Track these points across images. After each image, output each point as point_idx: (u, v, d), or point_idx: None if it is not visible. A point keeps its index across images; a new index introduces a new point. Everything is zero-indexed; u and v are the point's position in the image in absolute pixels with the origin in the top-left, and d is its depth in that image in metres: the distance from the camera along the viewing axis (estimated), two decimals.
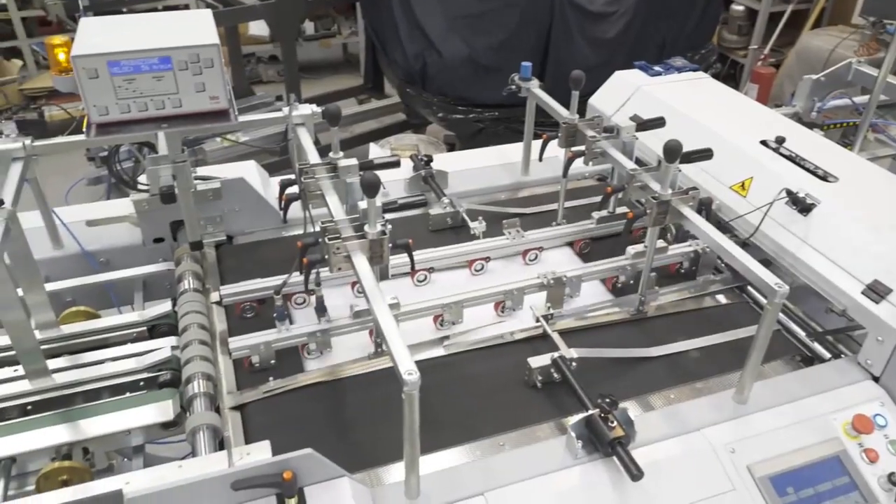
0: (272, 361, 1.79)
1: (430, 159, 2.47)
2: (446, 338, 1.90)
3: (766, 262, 1.85)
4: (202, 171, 2.23)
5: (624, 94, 2.65)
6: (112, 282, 2.17)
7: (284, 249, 2.15)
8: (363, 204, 1.59)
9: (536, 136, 2.49)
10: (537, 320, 1.91)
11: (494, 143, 3.83)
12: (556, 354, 1.73)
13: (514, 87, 2.40)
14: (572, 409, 1.66)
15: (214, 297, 2.00)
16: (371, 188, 1.46)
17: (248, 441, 1.60)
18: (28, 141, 1.84)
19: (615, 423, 1.48)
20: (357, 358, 1.84)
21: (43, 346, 1.78)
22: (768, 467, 1.54)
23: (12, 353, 1.71)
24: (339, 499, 1.33)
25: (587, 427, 1.50)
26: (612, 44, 4.44)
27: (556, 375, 1.73)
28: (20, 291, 1.75)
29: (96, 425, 1.65)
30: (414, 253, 1.69)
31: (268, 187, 2.38)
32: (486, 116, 4.50)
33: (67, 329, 1.94)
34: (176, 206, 2.01)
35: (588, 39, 4.40)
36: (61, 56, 1.77)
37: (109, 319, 2.04)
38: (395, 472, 1.53)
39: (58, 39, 1.85)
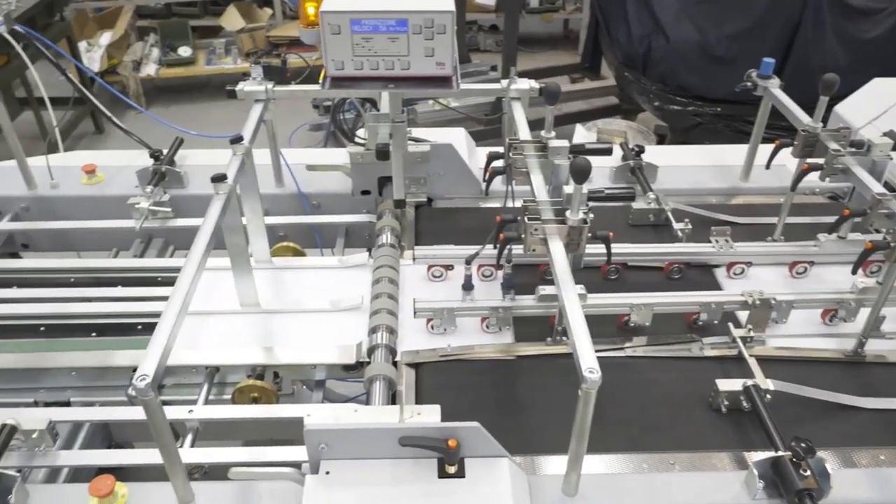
0: (452, 328, 1.83)
1: (641, 150, 2.35)
2: (629, 339, 1.82)
3: None
4: (415, 132, 2.31)
5: (881, 104, 2.34)
6: (319, 225, 2.34)
7: (480, 220, 2.17)
8: (568, 188, 1.55)
9: (764, 140, 2.28)
10: (733, 340, 1.76)
11: (710, 140, 3.58)
12: (749, 382, 1.59)
13: (749, 83, 2.20)
14: (758, 444, 1.52)
15: (408, 255, 2.08)
16: (580, 174, 1.41)
17: (417, 399, 1.65)
18: (270, 85, 2.01)
19: (808, 471, 1.33)
20: (534, 341, 1.82)
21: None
22: None
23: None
24: (498, 478, 1.32)
25: (773, 468, 1.36)
26: (872, 46, 3.92)
27: (745, 404, 1.59)
28: (244, 220, 1.93)
29: (287, 354, 1.80)
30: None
31: (473, 156, 2.41)
32: (707, 111, 4.20)
33: (277, 261, 2.12)
34: (386, 163, 2.09)
35: (842, 38, 3.92)
36: (311, 10, 1.89)
37: (312, 259, 2.20)
38: (553, 464, 1.50)
39: None
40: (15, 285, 2.07)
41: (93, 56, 5.93)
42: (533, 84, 2.05)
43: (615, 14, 4.57)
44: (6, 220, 2.36)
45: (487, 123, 4.69)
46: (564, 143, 1.75)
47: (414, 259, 2.05)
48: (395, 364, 1.72)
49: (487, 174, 1.92)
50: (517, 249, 1.74)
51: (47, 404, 1.78)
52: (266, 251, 2.08)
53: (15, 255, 2.41)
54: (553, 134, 1.80)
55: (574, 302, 1.34)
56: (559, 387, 1.67)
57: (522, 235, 1.54)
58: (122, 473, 1.45)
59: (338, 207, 2.38)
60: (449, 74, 1.72)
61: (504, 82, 2.06)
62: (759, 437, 1.52)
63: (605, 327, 1.82)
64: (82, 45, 5.86)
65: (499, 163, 1.89)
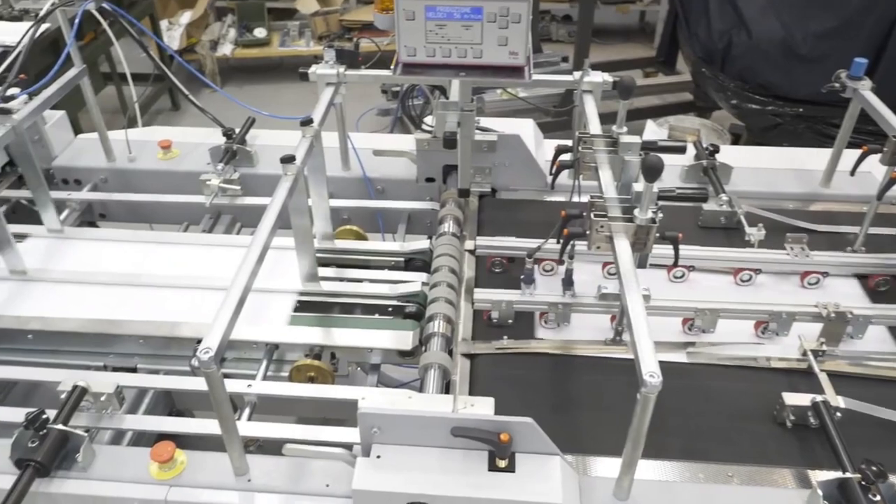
0: (509, 321, 1.81)
1: (715, 150, 2.27)
2: (691, 344, 1.76)
3: None
4: (483, 121, 2.29)
5: None
6: (383, 210, 2.36)
7: (544, 213, 2.14)
8: (638, 186, 1.51)
9: (848, 145, 2.17)
10: (804, 353, 1.68)
11: (789, 142, 3.44)
12: (818, 397, 1.52)
13: (837, 84, 2.09)
14: (824, 463, 1.45)
15: (469, 245, 2.07)
16: (652, 172, 1.37)
17: (471, 390, 1.65)
18: (342, 69, 2.02)
19: (878, 497, 1.26)
20: (592, 339, 1.79)
21: (318, 255, 1.98)
22: None
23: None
24: (549, 476, 1.31)
25: (840, 491, 1.30)
26: None
27: (812, 420, 1.52)
28: (310, 202, 1.95)
29: (345, 336, 1.82)
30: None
31: (540, 148, 2.38)
32: (788, 112, 4.02)
33: (339, 244, 2.14)
34: (452, 152, 2.09)
35: None
36: None
37: (374, 244, 2.21)
38: (604, 466, 1.47)
39: None
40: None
41: (173, 34, 6.12)
42: (606, 77, 2.00)
43: (695, 7, 4.41)
44: (86, 189, 2.47)
45: (555, 115, 4.62)
46: (636, 139, 1.70)
47: (475, 249, 2.04)
48: (450, 353, 1.72)
49: (554, 167, 1.89)
50: (580, 246, 1.72)
51: (115, 369, 1.85)
52: (330, 233, 2.11)
53: (93, 224, 2.52)
54: (625, 129, 1.76)
55: (638, 303, 1.31)
56: (615, 388, 1.64)
57: (587, 232, 1.50)
58: (181, 441, 1.50)
59: (401, 193, 2.39)
60: (521, 64, 1.69)
61: (576, 74, 2.01)
62: (826, 456, 1.46)
63: (667, 330, 1.78)
64: (163, 24, 6.05)
65: (567, 156, 1.86)
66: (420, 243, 2.15)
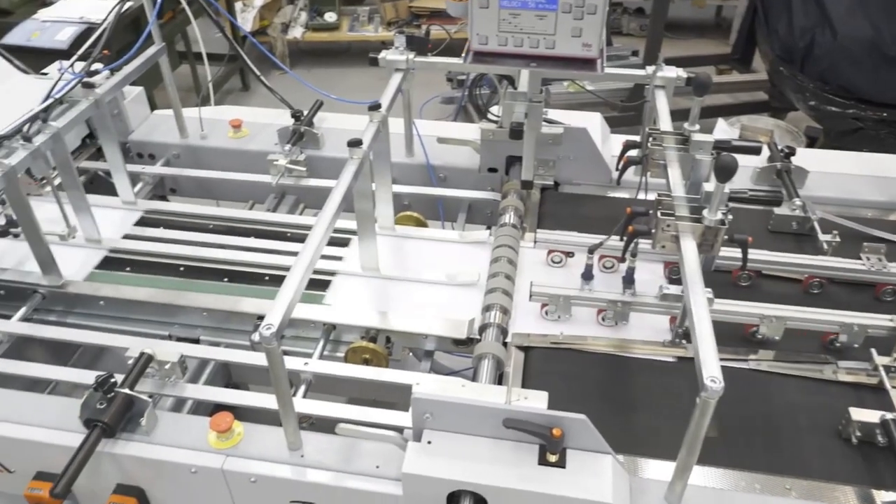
0: (567, 316, 1.79)
1: (791, 152, 2.19)
2: (754, 351, 1.71)
3: None
4: (551, 114, 2.26)
5: None
6: (444, 197, 2.36)
7: (607, 209, 2.10)
8: (708, 186, 1.47)
9: None
10: (874, 368, 1.61)
11: (870, 148, 3.27)
12: (889, 415, 1.45)
13: None
14: (889, 483, 1.40)
15: (529, 237, 2.05)
16: (725, 172, 1.33)
17: (524, 383, 1.64)
18: (411, 56, 2.03)
19: None
20: (650, 340, 1.75)
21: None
22: None
23: (354, 237, 1.95)
24: (599, 474, 1.29)
25: None
26: None
27: (880, 438, 1.46)
28: (373, 186, 1.97)
29: (401, 321, 1.83)
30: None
31: (606, 143, 2.34)
32: (870, 116, 3.84)
33: (399, 229, 2.16)
34: (516, 143, 2.07)
35: None
36: None
37: (433, 231, 2.22)
38: (656, 469, 1.44)
39: None
40: (162, 226, 2.23)
41: (246, 16, 6.25)
42: (680, 73, 1.95)
43: (777, 3, 4.25)
44: (159, 164, 2.55)
45: (621, 110, 4.54)
46: (709, 137, 1.66)
47: (535, 242, 2.03)
48: (504, 345, 1.71)
49: (622, 163, 1.86)
50: (643, 244, 1.69)
51: (179, 339, 1.91)
52: (391, 218, 2.13)
53: (163, 198, 2.60)
54: (697, 127, 1.71)
55: (702, 306, 1.28)
56: (671, 390, 1.61)
57: (653, 230, 1.47)
58: (236, 412, 1.54)
59: (463, 182, 2.38)
60: (594, 57, 1.66)
61: (649, 69, 1.97)
62: (893, 477, 1.40)
63: (729, 335, 1.73)
64: (238, 6, 6.19)
65: (634, 152, 1.82)
66: (479, 233, 2.15)
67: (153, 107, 2.75)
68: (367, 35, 6.47)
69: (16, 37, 3.92)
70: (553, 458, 1.31)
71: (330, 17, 6.52)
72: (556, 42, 1.65)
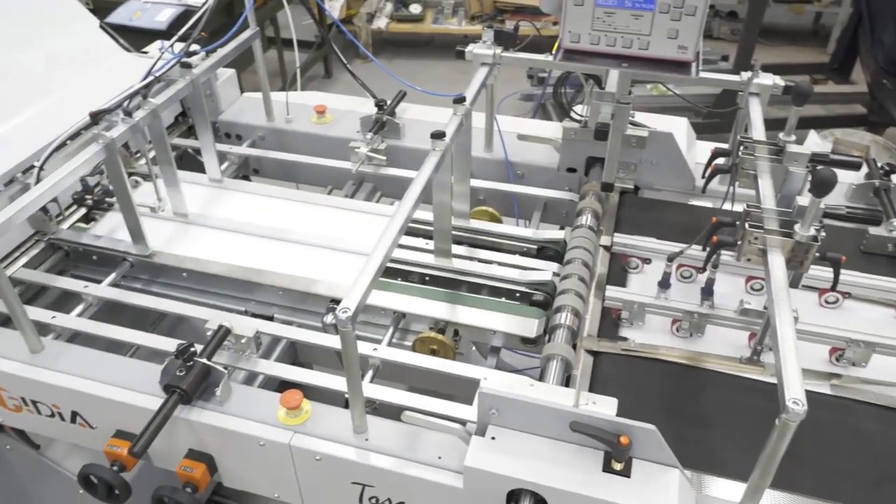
0: (640, 323, 1.75)
1: (892, 170, 2.07)
2: (837, 376, 1.63)
3: None
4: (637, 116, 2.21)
5: None
6: (520, 195, 2.34)
7: (689, 217, 2.04)
8: (802, 200, 1.41)
9: None
10: None
11: None
12: None
13: None
14: None
15: (605, 240, 2.01)
16: (823, 186, 1.27)
17: (592, 388, 1.61)
18: (498, 50, 2.02)
19: None
20: (725, 355, 1.70)
21: (453, 232, 2.00)
22: None
23: (430, 228, 1.96)
24: (665, 487, 1.26)
25: None
26: None
27: None
28: (452, 179, 1.98)
29: (471, 315, 1.84)
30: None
31: (691, 149, 2.27)
32: None
33: (474, 224, 2.16)
34: (598, 143, 2.03)
35: None
36: None
37: (508, 227, 2.21)
38: (723, 488, 1.39)
39: None
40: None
41: (334, 5, 6.37)
42: (777, 80, 1.87)
43: (883, 11, 4.03)
44: (245, 144, 2.63)
45: (706, 116, 4.40)
46: (806, 149, 1.59)
47: (611, 245, 1.99)
48: (573, 347, 1.69)
49: (708, 171, 1.80)
50: (725, 256, 1.63)
51: (255, 315, 1.97)
52: (466, 212, 2.13)
53: (246, 178, 2.68)
54: (793, 138, 1.65)
55: (787, 324, 1.23)
56: (745, 409, 1.56)
57: (739, 242, 1.42)
58: (303, 391, 1.57)
59: (540, 180, 2.36)
60: (689, 59, 1.61)
61: (744, 75, 1.90)
62: None
63: (809, 356, 1.66)
64: None
65: (723, 160, 1.76)
66: (553, 232, 2.13)
67: (241, 89, 2.84)
68: (451, 28, 6.49)
69: (119, 17, 4.13)
70: (618, 467, 1.29)
71: (415, 8, 6.57)
72: (650, 43, 1.61)
